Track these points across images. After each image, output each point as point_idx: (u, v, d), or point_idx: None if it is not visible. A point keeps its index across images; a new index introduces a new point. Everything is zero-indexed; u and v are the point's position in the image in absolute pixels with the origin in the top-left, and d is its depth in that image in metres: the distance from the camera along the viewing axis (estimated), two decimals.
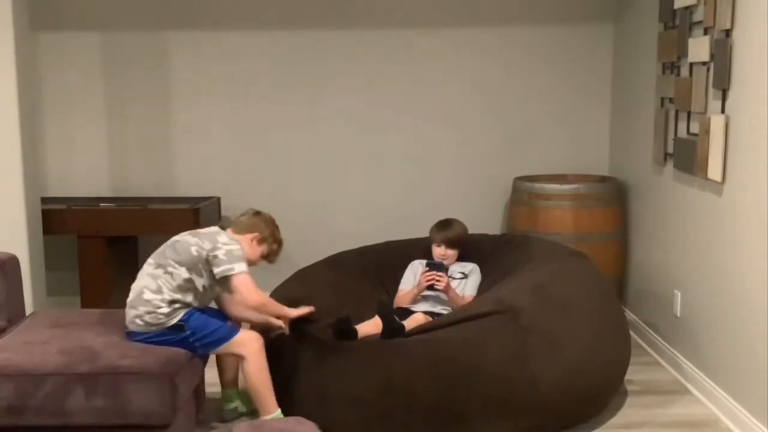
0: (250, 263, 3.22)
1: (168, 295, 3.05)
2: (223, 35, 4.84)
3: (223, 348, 3.14)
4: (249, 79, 4.88)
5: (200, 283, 3.10)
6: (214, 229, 3.25)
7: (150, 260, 3.17)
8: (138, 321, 3.04)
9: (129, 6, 4.79)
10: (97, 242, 4.39)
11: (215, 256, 3.08)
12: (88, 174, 4.90)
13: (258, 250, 3.29)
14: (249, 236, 3.26)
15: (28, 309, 3.77)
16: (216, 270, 3.08)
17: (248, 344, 3.13)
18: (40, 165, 4.62)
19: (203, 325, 3.08)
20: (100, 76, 4.84)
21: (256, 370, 3.11)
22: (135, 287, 3.12)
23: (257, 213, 3.34)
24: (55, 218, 4.36)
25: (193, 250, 3.09)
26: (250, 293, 3.09)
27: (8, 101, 3.89)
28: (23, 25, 3.97)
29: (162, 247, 3.18)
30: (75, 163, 4.89)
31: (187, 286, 3.08)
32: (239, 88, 4.88)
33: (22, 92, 3.93)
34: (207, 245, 3.09)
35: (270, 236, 3.31)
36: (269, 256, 3.34)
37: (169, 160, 4.92)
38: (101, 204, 4.56)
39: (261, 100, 4.90)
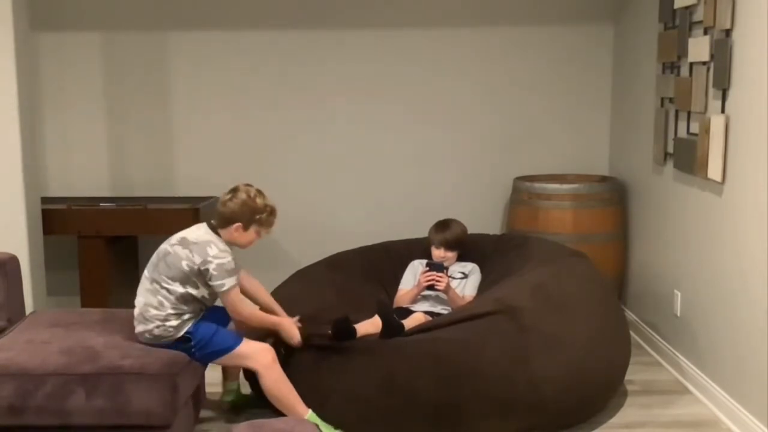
0: (249, 244, 3.19)
1: (172, 309, 3.03)
2: (223, 35, 4.83)
3: (227, 359, 3.13)
4: (249, 79, 4.87)
5: (199, 293, 3.07)
6: (204, 234, 3.11)
7: (146, 273, 3.11)
8: (147, 335, 3.05)
9: (129, 6, 4.79)
10: (97, 242, 4.38)
11: (207, 270, 3.02)
12: (88, 174, 4.89)
13: (247, 236, 3.17)
14: (231, 228, 3.13)
15: (28, 309, 3.77)
16: (210, 284, 3.05)
17: (258, 357, 3.11)
18: (40, 165, 4.62)
19: (208, 336, 3.07)
20: (100, 75, 4.84)
21: (272, 384, 3.10)
22: (138, 303, 3.09)
23: (233, 195, 3.15)
24: (55, 218, 4.35)
25: (184, 264, 3.02)
26: (236, 309, 3.13)
27: (8, 101, 3.88)
28: (23, 25, 3.97)
29: (155, 258, 3.11)
30: (75, 163, 4.89)
31: (187, 298, 3.06)
32: (239, 88, 4.88)
33: (22, 92, 3.92)
34: (197, 259, 3.02)
35: (251, 220, 3.14)
36: (262, 231, 3.21)
37: (169, 160, 4.91)
38: (101, 204, 4.55)
39: (261, 99, 4.89)
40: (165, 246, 3.12)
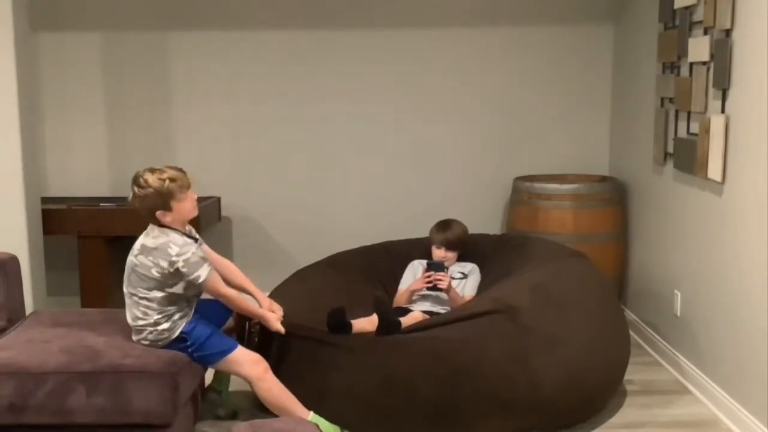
0: (192, 211, 3.11)
1: (158, 314, 3.03)
2: (223, 35, 4.84)
3: (222, 364, 3.12)
4: (249, 79, 4.88)
5: (179, 290, 3.04)
6: (159, 235, 3.04)
7: (124, 288, 3.09)
8: (143, 341, 3.06)
9: (129, 6, 4.79)
10: (97, 242, 4.38)
11: (177, 270, 2.97)
12: (88, 174, 4.90)
13: (178, 211, 3.05)
14: (160, 217, 3.04)
15: (28, 309, 3.77)
16: (187, 279, 3.02)
17: (249, 367, 3.09)
18: (39, 165, 4.61)
19: (203, 339, 3.07)
20: (100, 75, 4.84)
21: (266, 393, 3.08)
22: (127, 317, 3.09)
23: (132, 194, 3.05)
24: (55, 218, 4.35)
25: (155, 272, 2.98)
26: (218, 293, 3.10)
27: (8, 101, 3.88)
28: (23, 25, 3.97)
29: (127, 271, 3.07)
30: (75, 163, 4.89)
31: (170, 299, 3.04)
32: (239, 88, 4.88)
33: (22, 92, 3.93)
34: (164, 263, 2.97)
35: (163, 202, 3.02)
36: (186, 196, 3.07)
37: (169, 160, 4.89)
38: (101, 204, 4.55)
39: (261, 100, 4.90)
40: (130, 258, 3.07)
